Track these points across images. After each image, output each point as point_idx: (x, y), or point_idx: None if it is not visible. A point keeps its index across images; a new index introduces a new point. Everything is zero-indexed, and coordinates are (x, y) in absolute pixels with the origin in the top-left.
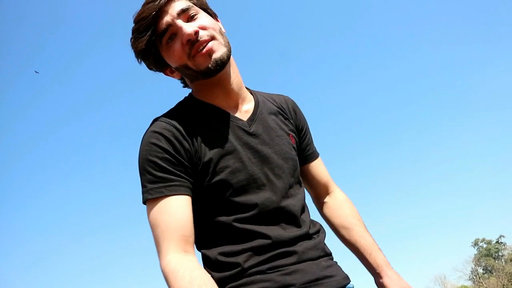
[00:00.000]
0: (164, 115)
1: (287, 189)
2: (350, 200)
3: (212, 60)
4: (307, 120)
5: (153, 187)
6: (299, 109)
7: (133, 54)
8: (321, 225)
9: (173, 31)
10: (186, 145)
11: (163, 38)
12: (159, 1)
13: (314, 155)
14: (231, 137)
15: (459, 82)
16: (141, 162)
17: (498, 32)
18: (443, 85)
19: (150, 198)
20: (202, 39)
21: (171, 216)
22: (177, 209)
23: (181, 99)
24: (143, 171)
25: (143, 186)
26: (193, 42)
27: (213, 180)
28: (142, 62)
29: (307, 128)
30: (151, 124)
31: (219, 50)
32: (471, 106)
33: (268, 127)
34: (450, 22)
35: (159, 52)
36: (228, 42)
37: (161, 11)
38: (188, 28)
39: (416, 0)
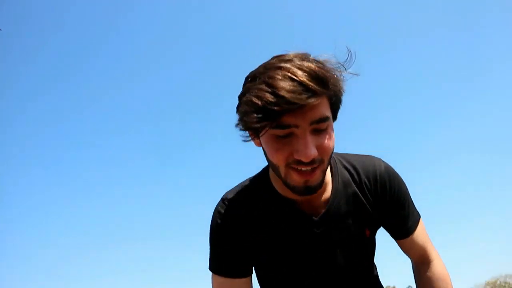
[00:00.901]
0: (233, 197)
1: None
2: (446, 276)
3: (304, 186)
4: (405, 193)
5: (214, 265)
6: (392, 184)
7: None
8: None
9: (292, 132)
10: (245, 237)
11: (277, 129)
12: (304, 99)
13: (406, 233)
14: (291, 239)
15: None
16: (209, 236)
17: None
18: None
19: (212, 271)
20: (312, 162)
21: None
22: None
23: (257, 173)
24: (209, 245)
25: (209, 255)
26: (300, 161)
27: (263, 278)
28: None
29: (400, 206)
30: (220, 202)
31: (316, 180)
32: None
33: (339, 227)
34: None
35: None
36: (329, 163)
37: (299, 106)
38: (311, 150)
39: None
